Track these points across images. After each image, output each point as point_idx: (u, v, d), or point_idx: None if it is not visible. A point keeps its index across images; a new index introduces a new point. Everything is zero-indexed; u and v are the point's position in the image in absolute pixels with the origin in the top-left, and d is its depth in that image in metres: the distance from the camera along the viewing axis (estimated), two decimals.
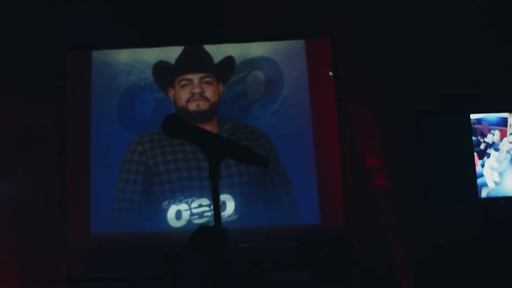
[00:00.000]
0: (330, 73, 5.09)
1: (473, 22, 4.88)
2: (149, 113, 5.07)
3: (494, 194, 4.53)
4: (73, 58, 5.15)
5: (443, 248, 4.78)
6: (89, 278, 3.82)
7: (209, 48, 5.13)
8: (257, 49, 5.17)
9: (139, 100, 5.10)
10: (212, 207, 1.74)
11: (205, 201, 4.86)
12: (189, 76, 5.05)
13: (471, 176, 4.54)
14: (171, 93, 5.06)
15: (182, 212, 4.86)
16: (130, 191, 4.91)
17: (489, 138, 4.59)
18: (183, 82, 5.04)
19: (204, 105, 5.01)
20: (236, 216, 4.88)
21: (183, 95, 5.02)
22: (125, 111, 5.09)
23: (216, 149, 1.55)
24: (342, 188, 4.96)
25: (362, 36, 5.00)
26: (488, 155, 4.57)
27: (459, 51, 4.91)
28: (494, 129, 4.61)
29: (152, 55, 5.14)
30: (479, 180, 4.54)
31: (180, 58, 5.12)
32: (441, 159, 4.59)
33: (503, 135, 4.62)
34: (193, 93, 5.01)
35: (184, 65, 5.10)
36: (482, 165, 4.56)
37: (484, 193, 4.53)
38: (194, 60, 5.13)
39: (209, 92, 5.03)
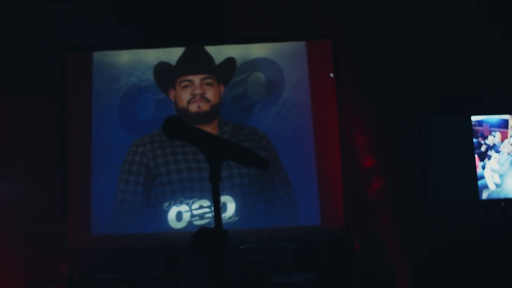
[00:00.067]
0: (331, 75, 5.08)
1: (473, 23, 4.89)
2: (150, 114, 5.07)
3: (495, 196, 4.53)
4: (74, 59, 5.15)
5: (443, 249, 4.78)
6: (89, 279, 3.82)
7: (210, 49, 5.13)
8: (258, 50, 5.17)
9: (140, 101, 5.10)
10: (212, 208, 1.73)
11: (206, 203, 4.85)
12: (190, 77, 5.04)
13: (472, 177, 4.54)
14: (172, 94, 5.06)
15: (182, 214, 4.86)
16: (130, 192, 4.90)
17: (490, 140, 4.59)
18: (184, 83, 5.04)
19: (205, 107, 5.01)
20: (236, 218, 4.87)
21: (184, 96, 5.02)
22: (126, 112, 5.08)
23: (216, 151, 1.55)
24: (343, 190, 4.95)
25: (362, 37, 5.00)
26: (489, 157, 4.57)
27: (459, 51, 4.91)
28: (495, 131, 4.61)
29: (153, 56, 5.13)
30: (480, 182, 4.53)
31: (181, 59, 5.12)
32: (441, 160, 4.59)
33: (504, 137, 4.61)
34: (194, 94, 5.01)
35: (185, 66, 5.10)
36: (483, 167, 4.55)
37: (485, 195, 4.52)
38: (195, 61, 5.13)
39: (210, 94, 5.03)
